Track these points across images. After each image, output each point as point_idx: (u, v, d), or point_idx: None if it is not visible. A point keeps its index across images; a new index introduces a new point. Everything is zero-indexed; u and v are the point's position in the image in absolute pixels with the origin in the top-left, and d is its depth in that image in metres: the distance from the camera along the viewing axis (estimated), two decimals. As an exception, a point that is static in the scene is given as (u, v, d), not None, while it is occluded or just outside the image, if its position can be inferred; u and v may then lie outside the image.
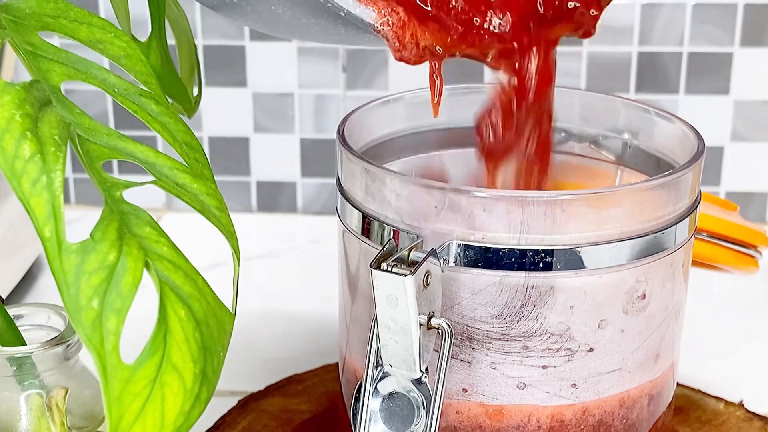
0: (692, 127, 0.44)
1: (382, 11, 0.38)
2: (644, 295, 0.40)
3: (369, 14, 0.38)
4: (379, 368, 0.39)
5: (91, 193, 0.81)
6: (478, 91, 0.49)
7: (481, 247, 0.38)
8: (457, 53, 0.41)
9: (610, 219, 0.38)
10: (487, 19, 0.40)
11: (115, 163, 0.74)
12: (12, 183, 0.29)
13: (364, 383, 0.39)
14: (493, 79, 0.43)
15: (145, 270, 0.30)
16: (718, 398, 0.55)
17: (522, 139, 0.44)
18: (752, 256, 0.54)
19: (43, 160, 0.29)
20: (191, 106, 0.45)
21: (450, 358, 0.39)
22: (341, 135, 0.43)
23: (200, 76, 0.47)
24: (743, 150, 0.76)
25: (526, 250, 0.38)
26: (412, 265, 0.37)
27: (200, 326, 0.30)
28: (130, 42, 0.36)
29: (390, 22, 0.38)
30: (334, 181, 0.54)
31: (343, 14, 0.38)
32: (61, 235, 0.28)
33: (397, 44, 0.39)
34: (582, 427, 0.41)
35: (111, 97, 0.68)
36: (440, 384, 0.38)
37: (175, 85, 0.44)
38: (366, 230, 0.41)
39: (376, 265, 0.37)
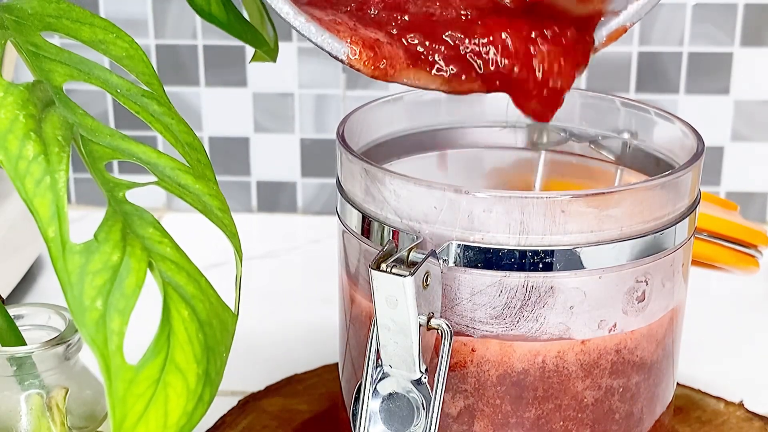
0: (692, 127, 0.44)
1: (347, 43, 0.38)
2: (644, 296, 0.40)
3: (330, 44, 0.38)
4: (378, 369, 0.39)
5: (91, 193, 0.81)
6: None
7: (480, 247, 0.38)
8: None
9: (610, 219, 0.38)
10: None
11: (115, 163, 0.74)
12: (16, 183, 0.29)
13: (363, 384, 0.39)
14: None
15: (148, 271, 0.30)
16: (718, 398, 0.55)
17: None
18: (752, 256, 0.54)
19: (47, 160, 0.29)
20: (271, 49, 0.44)
21: (450, 358, 0.39)
22: (341, 135, 0.43)
23: (271, 20, 0.45)
24: (743, 150, 0.76)
25: (525, 250, 0.38)
26: (412, 265, 0.37)
27: (203, 327, 0.30)
28: (132, 42, 0.36)
29: (350, 56, 0.38)
30: (334, 181, 0.54)
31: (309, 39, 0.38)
32: (65, 236, 0.28)
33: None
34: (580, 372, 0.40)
35: (111, 98, 0.69)
36: (440, 384, 0.38)
37: (248, 31, 0.43)
38: (366, 231, 0.41)
39: (376, 265, 0.37)
